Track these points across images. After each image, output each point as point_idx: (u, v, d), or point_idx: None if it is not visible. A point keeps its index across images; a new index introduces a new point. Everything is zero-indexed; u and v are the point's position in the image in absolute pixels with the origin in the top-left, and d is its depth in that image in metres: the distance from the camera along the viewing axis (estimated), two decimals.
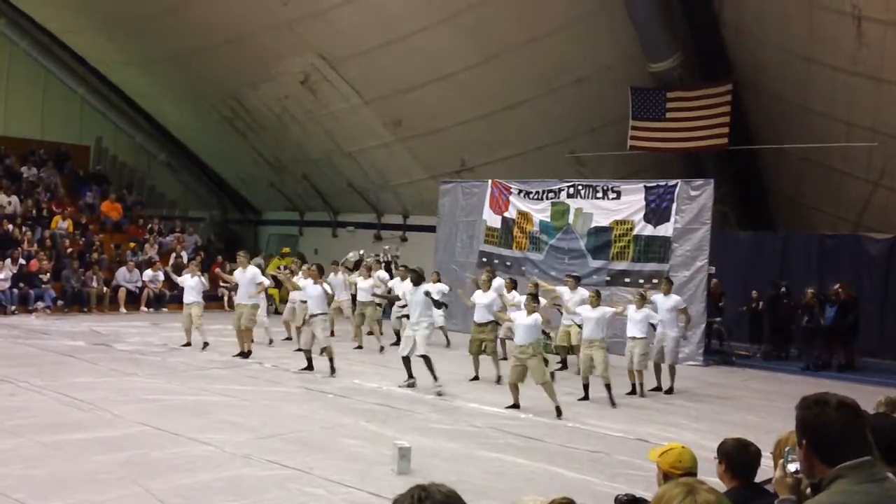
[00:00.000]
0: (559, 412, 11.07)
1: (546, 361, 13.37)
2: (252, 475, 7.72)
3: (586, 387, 12.40)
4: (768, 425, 9.37)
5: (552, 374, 13.44)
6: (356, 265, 18.12)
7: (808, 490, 2.56)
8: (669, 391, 13.42)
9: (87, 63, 26.07)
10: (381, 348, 16.51)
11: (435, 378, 12.36)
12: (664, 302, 13.86)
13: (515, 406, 11.45)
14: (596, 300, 12.79)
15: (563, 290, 15.08)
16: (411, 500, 1.91)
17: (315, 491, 7.36)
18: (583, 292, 14.52)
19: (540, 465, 8.52)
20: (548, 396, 11.21)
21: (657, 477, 4.02)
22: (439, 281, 17.25)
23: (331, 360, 13.47)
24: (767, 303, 18.35)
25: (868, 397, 5.08)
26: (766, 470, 4.03)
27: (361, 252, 19.69)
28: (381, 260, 19.25)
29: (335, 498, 7.18)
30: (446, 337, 17.41)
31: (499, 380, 13.43)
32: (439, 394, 12.20)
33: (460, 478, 7.45)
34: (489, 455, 8.93)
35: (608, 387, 12.16)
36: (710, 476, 4.33)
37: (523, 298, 13.39)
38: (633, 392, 12.97)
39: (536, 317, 11.46)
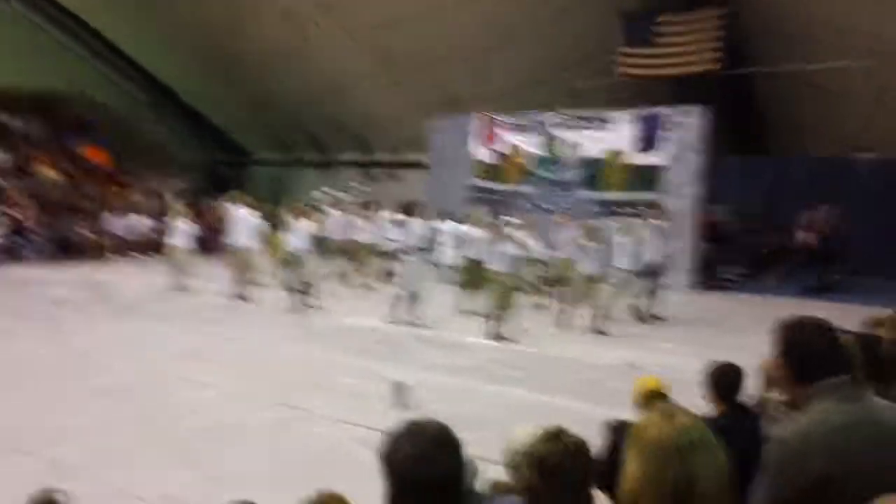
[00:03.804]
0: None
1: (539, 291, 14.43)
2: (252, 415, 7.84)
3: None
4: (757, 348, 9.49)
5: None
6: (323, 205, 18.06)
7: (787, 410, 2.63)
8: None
9: (67, 10, 25.61)
10: (370, 286, 16.70)
11: (394, 313, 12.69)
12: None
13: (499, 337, 11.69)
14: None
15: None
16: (404, 434, 1.98)
17: (315, 428, 7.50)
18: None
19: (534, 396, 8.67)
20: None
21: None
22: (450, 219, 17.36)
23: (307, 294, 13.67)
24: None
25: (857, 317, 5.16)
26: (751, 391, 4.14)
27: (328, 190, 19.61)
28: (352, 198, 19.17)
29: (337, 435, 7.31)
30: (448, 275, 17.55)
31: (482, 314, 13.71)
32: (415, 324, 12.48)
33: (459, 410, 7.56)
34: (486, 388, 9.07)
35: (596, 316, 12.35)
36: (697, 399, 4.44)
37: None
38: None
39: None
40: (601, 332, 12.25)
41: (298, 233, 14.07)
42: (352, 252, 17.51)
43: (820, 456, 2.29)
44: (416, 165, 23.05)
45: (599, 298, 12.41)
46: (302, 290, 13.75)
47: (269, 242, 18.13)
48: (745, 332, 12.47)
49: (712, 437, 1.85)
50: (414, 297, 12.69)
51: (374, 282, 17.05)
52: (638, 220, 14.64)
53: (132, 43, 26.30)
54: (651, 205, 16.14)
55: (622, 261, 13.12)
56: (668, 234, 14.31)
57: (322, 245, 17.78)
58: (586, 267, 12.54)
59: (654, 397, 4.08)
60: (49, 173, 22.59)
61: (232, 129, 29.11)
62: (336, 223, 17.83)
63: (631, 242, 13.23)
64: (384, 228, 16.98)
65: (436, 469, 1.91)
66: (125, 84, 27.76)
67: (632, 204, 17.75)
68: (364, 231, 17.54)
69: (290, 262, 13.89)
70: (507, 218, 16.47)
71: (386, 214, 14.30)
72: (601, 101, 19.83)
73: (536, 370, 9.98)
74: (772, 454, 2.38)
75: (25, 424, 7.29)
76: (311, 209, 16.02)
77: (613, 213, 17.70)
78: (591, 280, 12.43)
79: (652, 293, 13.74)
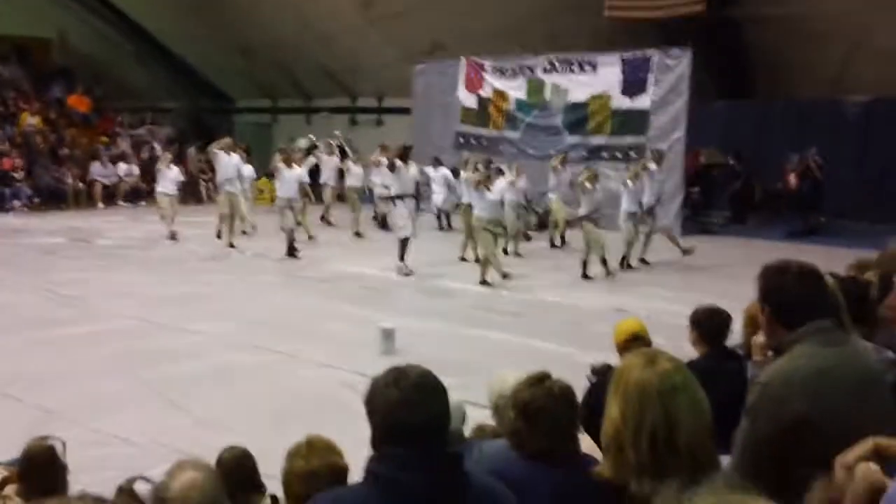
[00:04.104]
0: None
1: (528, 237, 14.82)
2: (241, 361, 7.89)
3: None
4: (742, 293, 9.56)
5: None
6: (307, 152, 17.91)
7: (770, 354, 2.66)
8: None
9: None
10: (360, 233, 16.63)
11: (401, 259, 12.56)
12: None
13: (487, 282, 11.78)
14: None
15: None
16: (388, 380, 1.99)
17: (303, 373, 7.56)
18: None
19: (521, 340, 8.73)
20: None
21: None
22: (441, 165, 17.34)
23: (293, 241, 13.79)
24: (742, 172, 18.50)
25: (842, 261, 5.20)
26: (736, 335, 4.17)
27: (312, 138, 19.42)
28: (335, 145, 19.02)
29: (323, 379, 7.39)
30: (440, 220, 17.57)
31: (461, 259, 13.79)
32: (406, 274, 12.42)
33: (443, 355, 7.61)
34: (472, 332, 9.14)
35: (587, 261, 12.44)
36: (684, 342, 4.48)
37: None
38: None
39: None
40: (587, 277, 12.27)
41: (289, 180, 14.02)
42: (349, 199, 17.35)
43: (800, 399, 2.32)
44: (400, 111, 22.85)
45: (598, 243, 12.34)
46: (290, 237, 13.75)
47: (259, 189, 18.05)
48: (732, 276, 12.57)
49: (694, 381, 1.86)
50: (405, 244, 12.63)
51: (363, 228, 16.95)
52: (637, 165, 14.45)
53: None
54: (654, 150, 15.91)
55: (630, 205, 13.04)
56: (661, 179, 14.30)
57: (315, 191, 17.73)
58: (585, 210, 12.51)
59: (634, 340, 4.11)
60: (34, 122, 22.27)
61: (216, 76, 28.71)
62: (329, 169, 17.74)
63: (636, 187, 13.15)
64: (378, 174, 16.66)
65: (419, 414, 1.93)
66: (109, 32, 27.23)
67: (618, 148, 17.69)
68: (356, 177, 17.41)
69: (282, 208, 13.87)
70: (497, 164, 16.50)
71: (383, 160, 14.08)
72: (585, 44, 19.59)
73: (523, 315, 10.04)
74: (753, 397, 2.41)
75: (15, 371, 7.32)
76: (301, 156, 15.95)
77: (600, 158, 17.63)
78: (592, 224, 12.39)
79: (647, 237, 13.76)
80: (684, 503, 0.75)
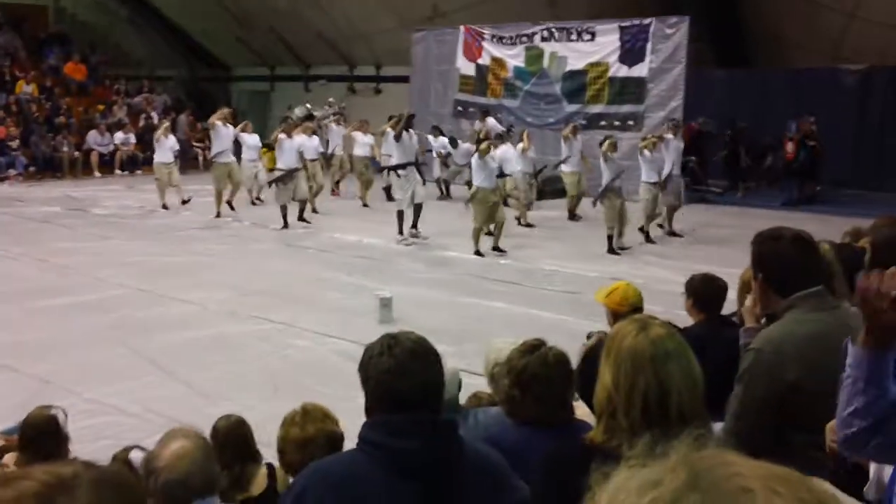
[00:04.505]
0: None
1: (529, 206, 14.58)
2: (237, 330, 7.90)
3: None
4: (739, 260, 9.54)
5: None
6: (305, 120, 17.77)
7: (764, 321, 2.66)
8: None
9: None
10: (364, 202, 16.58)
11: (400, 232, 12.53)
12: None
13: (478, 253, 11.73)
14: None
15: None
16: (381, 348, 1.98)
17: (300, 342, 7.57)
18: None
19: (518, 308, 8.74)
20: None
21: (606, 316, 4.17)
22: (441, 135, 17.21)
23: (302, 210, 13.95)
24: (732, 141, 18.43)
25: (839, 228, 5.20)
26: (732, 303, 4.17)
27: (308, 106, 19.26)
28: (329, 113, 18.86)
29: (320, 348, 7.40)
30: (441, 189, 17.48)
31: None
32: (406, 239, 12.44)
33: (441, 324, 7.64)
34: (469, 301, 9.14)
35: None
36: (679, 310, 4.49)
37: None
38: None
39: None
40: (622, 250, 12.20)
41: (289, 150, 13.96)
42: (357, 169, 17.22)
43: (792, 365, 2.33)
44: (399, 79, 22.69)
45: (618, 216, 12.22)
46: (290, 204, 13.68)
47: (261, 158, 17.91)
48: (728, 244, 12.60)
49: (687, 347, 1.86)
50: (406, 213, 12.57)
51: (368, 197, 16.82)
52: (655, 135, 14.25)
53: None
54: (671, 120, 15.76)
55: (650, 175, 12.92)
56: (680, 148, 14.13)
57: (323, 159, 17.62)
58: (607, 178, 12.40)
59: (632, 310, 4.09)
60: (29, 90, 22.10)
61: (213, 44, 28.46)
62: (338, 138, 17.63)
63: (654, 157, 13.02)
64: (382, 143, 16.43)
65: (412, 381, 1.92)
66: None
67: (616, 117, 17.59)
68: (364, 147, 17.28)
69: (282, 178, 13.78)
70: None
71: (389, 131, 13.95)
72: (584, 12, 19.44)
73: (522, 284, 10.03)
74: (745, 363, 2.42)
75: (11, 341, 7.32)
76: (304, 126, 15.84)
77: (598, 127, 17.54)
78: (615, 194, 12.28)
79: (672, 210, 13.65)
80: (657, 456, 0.74)
